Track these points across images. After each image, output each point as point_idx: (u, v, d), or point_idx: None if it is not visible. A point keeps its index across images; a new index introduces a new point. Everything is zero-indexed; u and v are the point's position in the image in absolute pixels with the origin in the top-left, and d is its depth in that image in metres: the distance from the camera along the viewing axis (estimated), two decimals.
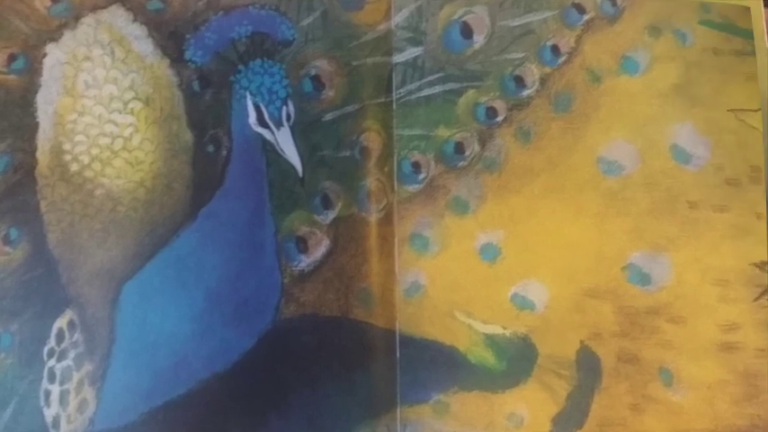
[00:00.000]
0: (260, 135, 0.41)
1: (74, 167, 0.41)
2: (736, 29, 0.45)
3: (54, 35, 0.42)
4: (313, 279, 0.41)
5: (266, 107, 0.42)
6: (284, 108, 0.42)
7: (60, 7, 0.42)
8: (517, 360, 0.41)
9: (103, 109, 0.41)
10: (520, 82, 0.43)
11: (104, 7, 0.42)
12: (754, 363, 0.42)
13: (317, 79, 0.42)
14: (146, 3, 0.42)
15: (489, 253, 0.42)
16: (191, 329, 0.39)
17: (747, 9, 0.45)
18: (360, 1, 0.43)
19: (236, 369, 0.39)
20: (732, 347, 0.42)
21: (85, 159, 0.41)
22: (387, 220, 0.41)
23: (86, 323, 0.39)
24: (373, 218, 0.41)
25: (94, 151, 0.41)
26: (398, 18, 0.43)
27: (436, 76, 0.43)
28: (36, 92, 0.41)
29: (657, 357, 0.41)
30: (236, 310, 0.40)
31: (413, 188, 0.42)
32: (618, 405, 0.41)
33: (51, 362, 0.39)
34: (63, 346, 0.39)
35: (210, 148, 0.41)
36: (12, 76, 0.41)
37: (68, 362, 0.39)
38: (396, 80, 0.43)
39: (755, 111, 0.44)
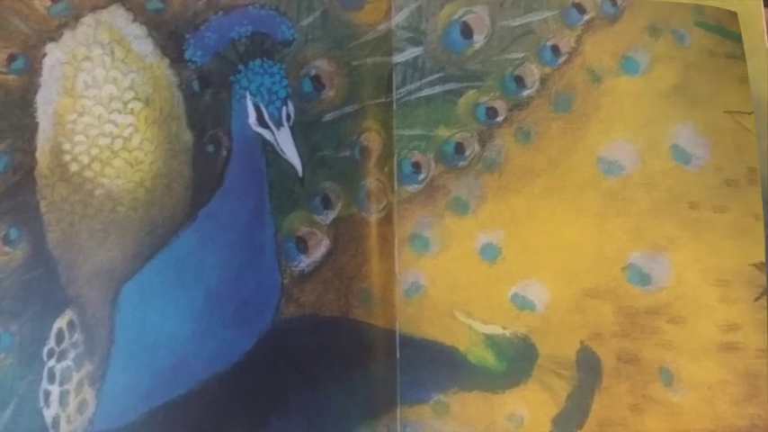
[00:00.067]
0: (260, 135, 0.41)
1: (73, 167, 0.41)
2: (727, 32, 0.45)
3: (54, 35, 0.42)
4: (313, 279, 0.41)
5: (266, 107, 0.41)
6: (284, 108, 0.42)
7: (60, 7, 0.42)
8: (517, 360, 0.41)
9: (103, 109, 0.41)
10: (520, 82, 0.43)
11: (104, 7, 0.42)
12: (754, 363, 0.42)
13: (317, 79, 0.42)
14: (145, 3, 0.42)
15: (489, 253, 0.42)
16: (190, 330, 0.39)
17: (735, 14, 0.46)
18: (360, 1, 0.43)
19: (235, 369, 0.39)
20: (732, 348, 0.42)
21: (85, 159, 0.41)
22: (387, 220, 0.41)
23: (86, 323, 0.39)
24: (373, 218, 0.41)
25: (94, 151, 0.41)
26: (398, 18, 0.43)
27: (436, 76, 0.43)
28: (36, 92, 0.41)
29: (658, 357, 0.41)
30: (236, 311, 0.40)
31: (413, 188, 0.42)
32: (618, 405, 0.41)
33: (51, 362, 0.39)
34: (63, 346, 0.39)
35: (210, 149, 0.41)
36: (11, 76, 0.41)
37: (68, 362, 0.39)
38: (396, 80, 0.42)
39: (749, 113, 0.44)
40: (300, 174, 0.41)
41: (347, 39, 0.43)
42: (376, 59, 0.43)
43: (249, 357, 0.39)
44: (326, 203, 0.41)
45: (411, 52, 0.43)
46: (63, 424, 0.38)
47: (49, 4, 0.42)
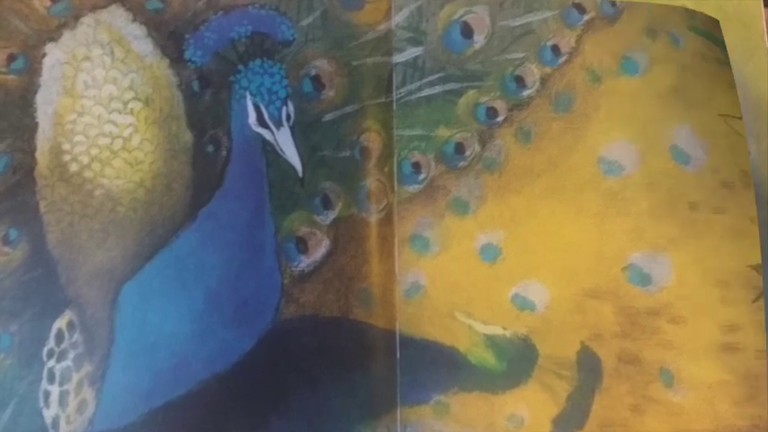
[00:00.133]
0: (260, 135, 0.41)
1: (73, 168, 0.40)
2: (715, 38, 0.45)
3: (53, 35, 0.42)
4: (313, 280, 0.41)
5: (266, 107, 0.41)
6: (284, 108, 0.42)
7: (60, 7, 0.42)
8: (517, 361, 0.41)
9: (103, 109, 0.41)
10: (520, 82, 0.43)
11: (104, 7, 0.42)
12: (754, 364, 0.42)
13: (316, 79, 0.42)
14: (145, 2, 0.42)
15: (489, 253, 0.42)
16: (190, 330, 0.39)
17: (717, 21, 0.46)
18: (360, 1, 0.43)
19: (235, 370, 0.39)
20: (733, 348, 0.42)
21: (85, 160, 0.41)
22: (387, 220, 0.41)
23: (86, 324, 0.39)
24: (373, 218, 0.41)
25: (94, 151, 0.41)
26: (398, 18, 0.43)
27: (436, 76, 0.43)
28: (35, 92, 0.41)
29: (658, 358, 0.41)
30: (236, 311, 0.40)
31: (413, 188, 0.42)
32: (618, 406, 0.41)
33: (51, 362, 0.39)
34: (62, 346, 0.39)
35: (210, 149, 0.41)
36: (11, 77, 0.41)
37: (68, 362, 0.39)
38: (396, 80, 0.42)
39: (739, 118, 0.44)
40: (300, 174, 0.41)
41: (347, 39, 0.43)
42: (376, 59, 0.43)
43: (249, 357, 0.39)
44: (326, 204, 0.41)
45: (411, 52, 0.43)
46: (63, 424, 0.38)
47: (48, 4, 0.42)
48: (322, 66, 0.42)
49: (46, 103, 0.41)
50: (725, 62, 0.45)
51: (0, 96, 0.41)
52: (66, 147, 0.41)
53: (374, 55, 0.43)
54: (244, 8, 0.42)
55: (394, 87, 0.42)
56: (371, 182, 0.42)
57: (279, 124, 0.41)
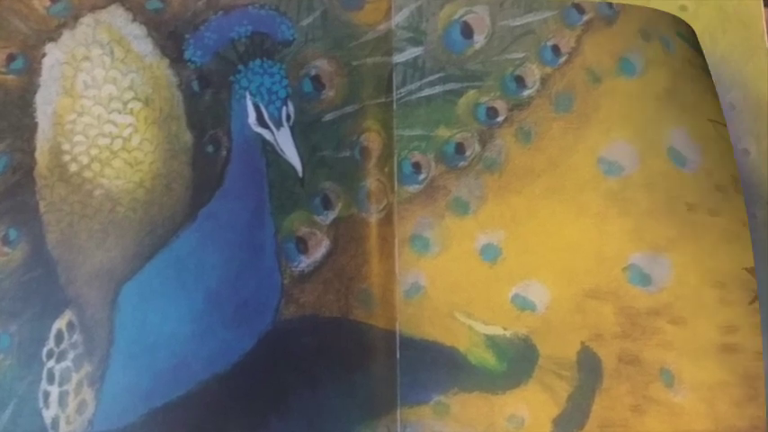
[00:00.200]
0: (260, 135, 0.41)
1: (73, 168, 0.40)
2: (697, 46, 0.46)
3: (53, 35, 0.41)
4: (313, 280, 0.40)
5: (266, 107, 0.41)
6: (284, 108, 0.42)
7: (59, 7, 0.42)
8: (518, 361, 0.41)
9: (103, 109, 0.41)
10: (521, 82, 0.43)
11: (103, 7, 0.42)
12: (753, 365, 0.42)
13: (317, 79, 0.42)
14: (145, 2, 0.42)
15: (490, 254, 0.42)
16: (190, 330, 0.39)
17: (693, 30, 0.46)
18: (360, 1, 0.43)
19: (235, 370, 0.39)
20: (732, 349, 0.42)
21: (84, 160, 0.40)
22: (387, 220, 0.41)
23: (85, 324, 0.39)
24: (373, 218, 0.41)
25: (93, 152, 0.41)
26: (399, 18, 0.43)
27: (436, 76, 0.43)
28: (35, 92, 0.41)
29: (659, 358, 0.41)
30: (236, 311, 0.39)
31: (413, 189, 0.42)
32: (619, 406, 0.41)
33: (50, 363, 0.39)
34: (62, 347, 0.39)
35: (210, 149, 0.41)
36: (11, 77, 0.41)
37: (67, 363, 0.39)
38: (396, 80, 0.42)
39: (723, 125, 0.45)
40: (300, 174, 0.41)
41: (347, 39, 0.43)
42: (376, 59, 0.43)
43: (249, 358, 0.39)
44: (326, 204, 0.41)
45: (411, 52, 0.43)
46: (62, 425, 0.38)
47: (48, 3, 0.42)
48: (322, 66, 0.42)
49: (45, 103, 0.41)
50: (707, 70, 0.45)
51: None
52: (66, 147, 0.41)
53: (374, 55, 0.43)
54: (244, 8, 0.42)
55: (394, 87, 0.42)
56: (371, 182, 0.42)
57: (279, 124, 0.41)
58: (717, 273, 0.42)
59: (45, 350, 0.39)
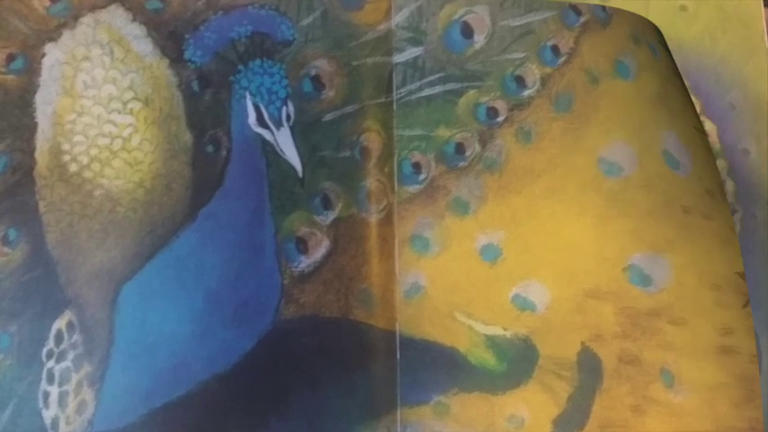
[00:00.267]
0: (260, 135, 0.41)
1: (73, 168, 0.40)
2: (671, 57, 0.46)
3: (53, 35, 0.41)
4: (313, 280, 0.40)
5: (266, 107, 0.41)
6: (284, 108, 0.42)
7: (59, 7, 0.42)
8: (518, 361, 0.41)
9: (102, 109, 0.41)
10: (521, 82, 0.43)
11: (103, 7, 0.42)
12: (749, 367, 0.42)
13: (316, 79, 0.42)
14: (145, 2, 0.42)
15: (490, 254, 0.41)
16: (190, 330, 0.39)
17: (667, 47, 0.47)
18: (360, 1, 0.43)
19: (235, 370, 0.39)
20: (729, 351, 0.42)
21: (84, 160, 0.40)
22: (387, 220, 0.41)
23: (85, 324, 0.39)
24: (373, 218, 0.41)
25: (93, 152, 0.41)
26: (399, 18, 0.43)
27: (437, 76, 0.43)
28: (35, 92, 0.41)
29: (659, 358, 0.41)
30: (236, 312, 0.39)
31: (413, 189, 0.42)
32: (619, 406, 0.41)
33: (50, 363, 0.39)
34: (62, 347, 0.39)
35: (210, 149, 0.41)
36: (10, 77, 0.41)
37: (67, 363, 0.39)
38: (396, 80, 0.42)
39: (705, 133, 0.45)
40: (300, 174, 0.41)
41: (347, 39, 0.43)
42: (376, 59, 0.43)
43: (249, 358, 0.39)
44: (326, 204, 0.41)
45: (411, 52, 0.43)
46: (62, 425, 0.38)
47: (47, 3, 0.42)
48: (322, 66, 0.42)
49: (45, 103, 0.41)
50: (682, 79, 0.46)
51: None
52: (66, 147, 0.40)
53: (374, 55, 0.43)
54: (244, 8, 0.42)
55: (394, 87, 0.42)
56: (371, 182, 0.42)
57: (279, 124, 0.41)
58: (713, 275, 0.43)
59: (45, 350, 0.39)
